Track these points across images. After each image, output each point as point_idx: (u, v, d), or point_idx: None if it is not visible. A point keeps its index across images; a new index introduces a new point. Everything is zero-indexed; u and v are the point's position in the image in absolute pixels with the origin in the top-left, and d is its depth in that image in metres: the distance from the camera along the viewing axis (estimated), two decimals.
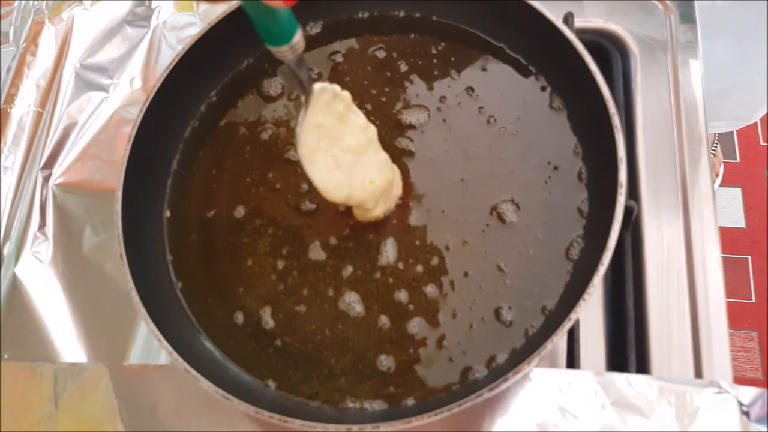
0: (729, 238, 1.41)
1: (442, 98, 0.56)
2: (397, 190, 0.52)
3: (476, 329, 0.48)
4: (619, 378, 0.46)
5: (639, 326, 0.52)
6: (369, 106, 0.57)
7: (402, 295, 0.50)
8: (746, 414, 0.43)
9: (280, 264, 0.53)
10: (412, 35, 0.59)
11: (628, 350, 0.51)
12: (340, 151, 0.47)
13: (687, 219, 0.55)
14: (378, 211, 0.50)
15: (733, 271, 1.37)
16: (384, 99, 0.57)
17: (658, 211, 0.56)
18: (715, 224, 0.55)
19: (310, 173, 0.46)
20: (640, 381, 0.45)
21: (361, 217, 0.52)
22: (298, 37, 0.40)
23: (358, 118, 0.48)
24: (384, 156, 0.51)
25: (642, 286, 0.54)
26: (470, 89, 0.56)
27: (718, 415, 0.44)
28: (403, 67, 0.58)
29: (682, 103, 0.60)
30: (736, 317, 1.32)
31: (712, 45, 0.75)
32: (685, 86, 0.61)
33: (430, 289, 0.50)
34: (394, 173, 0.52)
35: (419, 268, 0.51)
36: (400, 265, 0.51)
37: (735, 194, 1.46)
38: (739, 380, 0.44)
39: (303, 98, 0.45)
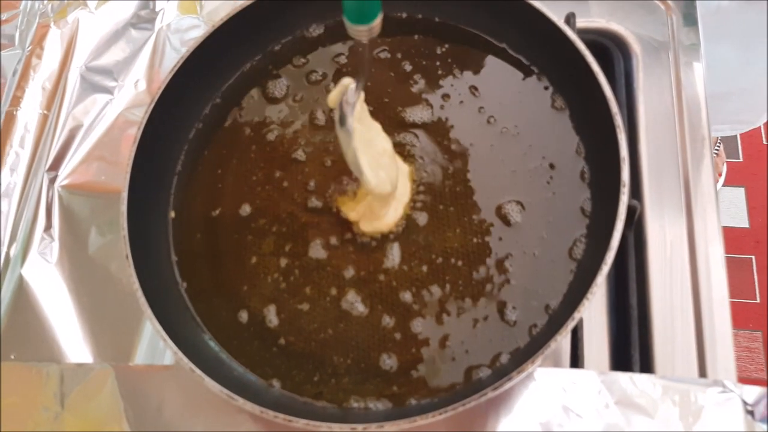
0: (732, 237, 1.40)
1: (445, 97, 0.57)
2: (406, 194, 0.52)
3: (480, 328, 0.48)
4: (623, 377, 0.46)
5: (642, 325, 0.52)
6: (371, 107, 0.57)
7: (406, 295, 0.50)
8: (750, 413, 0.43)
9: (284, 262, 0.53)
10: (415, 36, 0.60)
11: (631, 349, 0.51)
12: (377, 153, 0.48)
13: (690, 218, 0.56)
14: (389, 218, 0.51)
15: (736, 271, 1.37)
16: (387, 99, 0.57)
17: (661, 210, 0.56)
18: (718, 223, 0.55)
19: (363, 165, 0.46)
20: (644, 380, 0.45)
21: (369, 229, 0.52)
22: (379, 20, 0.40)
23: (374, 122, 0.49)
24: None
25: (645, 285, 0.54)
26: (473, 90, 0.57)
27: (722, 414, 0.44)
28: (407, 67, 0.58)
29: (685, 102, 0.60)
30: (740, 317, 1.32)
31: (716, 47, 0.75)
32: (687, 86, 0.61)
33: (435, 289, 0.50)
34: (408, 178, 0.52)
35: (424, 268, 0.51)
36: (405, 265, 0.51)
37: (738, 194, 1.46)
38: (744, 381, 0.44)
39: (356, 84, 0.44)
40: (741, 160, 1.50)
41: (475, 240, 0.51)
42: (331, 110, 0.45)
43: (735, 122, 1.02)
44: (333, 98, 0.45)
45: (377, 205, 0.51)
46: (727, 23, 0.76)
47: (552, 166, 0.52)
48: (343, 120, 0.44)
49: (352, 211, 0.53)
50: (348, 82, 0.44)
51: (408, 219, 0.52)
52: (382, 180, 0.48)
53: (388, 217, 0.51)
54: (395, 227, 0.52)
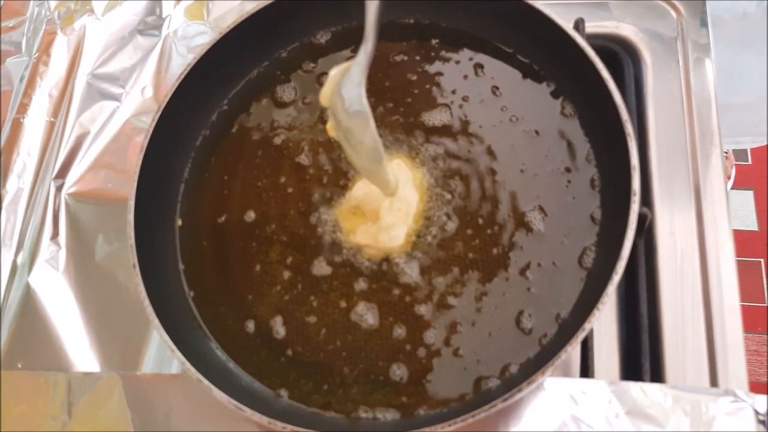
0: (741, 241, 1.40)
1: (465, 98, 0.56)
2: (414, 203, 0.51)
3: (494, 338, 0.48)
4: (634, 387, 0.45)
5: (653, 334, 0.52)
6: (390, 104, 0.57)
7: (420, 307, 0.49)
8: (763, 423, 0.43)
9: (287, 274, 0.52)
10: (432, 41, 0.59)
11: (642, 358, 0.51)
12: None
13: (701, 224, 0.55)
14: (398, 238, 0.50)
15: (745, 275, 1.36)
16: (409, 99, 0.57)
17: (671, 216, 0.56)
18: (729, 230, 0.54)
19: (382, 151, 0.43)
20: (655, 390, 0.45)
21: (385, 245, 0.50)
22: None
23: None
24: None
25: (656, 293, 0.53)
26: (494, 90, 0.56)
27: (734, 424, 0.43)
28: (422, 70, 0.58)
29: (695, 107, 0.60)
30: (749, 321, 1.31)
31: (740, 55, 0.73)
32: (697, 91, 0.60)
33: (451, 300, 0.49)
34: (414, 189, 0.51)
35: (440, 279, 0.50)
36: (421, 276, 0.50)
37: (747, 197, 1.45)
38: (753, 385, 0.44)
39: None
40: (750, 162, 1.49)
41: (496, 250, 0.50)
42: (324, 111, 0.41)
43: (758, 134, 1.00)
44: (326, 94, 0.42)
45: (383, 236, 0.50)
46: (754, 31, 0.74)
47: (563, 173, 0.52)
48: (353, 102, 0.39)
49: (352, 232, 0.51)
50: (337, 70, 0.41)
51: (423, 229, 0.52)
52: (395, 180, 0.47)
53: (397, 238, 0.50)
54: (406, 245, 0.51)
